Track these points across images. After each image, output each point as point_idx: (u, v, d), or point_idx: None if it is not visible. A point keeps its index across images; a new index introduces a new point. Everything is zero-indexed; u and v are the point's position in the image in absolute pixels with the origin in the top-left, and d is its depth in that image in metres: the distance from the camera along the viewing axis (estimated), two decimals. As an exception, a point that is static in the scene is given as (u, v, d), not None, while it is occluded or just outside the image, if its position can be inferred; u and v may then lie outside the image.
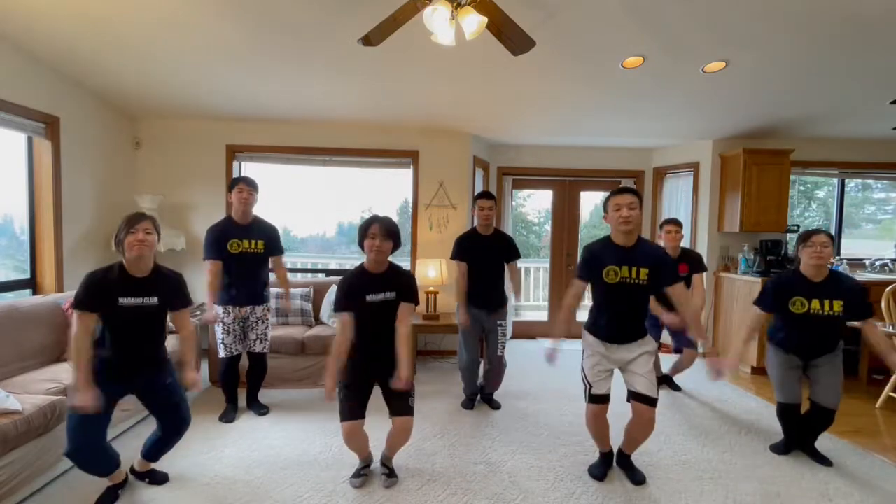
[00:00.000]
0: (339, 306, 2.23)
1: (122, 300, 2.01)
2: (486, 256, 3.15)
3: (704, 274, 3.45)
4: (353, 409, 2.23)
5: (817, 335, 2.50)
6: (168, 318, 2.21)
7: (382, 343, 2.25)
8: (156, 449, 2.28)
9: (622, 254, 2.22)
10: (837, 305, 2.42)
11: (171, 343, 2.37)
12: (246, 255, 2.97)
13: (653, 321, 3.13)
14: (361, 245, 2.23)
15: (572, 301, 2.36)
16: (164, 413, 2.22)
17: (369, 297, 2.21)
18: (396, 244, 2.25)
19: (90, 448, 2.02)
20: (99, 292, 1.99)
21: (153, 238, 2.06)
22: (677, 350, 3.62)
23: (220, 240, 2.92)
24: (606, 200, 2.30)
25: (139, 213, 2.13)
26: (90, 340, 1.98)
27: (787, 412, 2.65)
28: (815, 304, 2.44)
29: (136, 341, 2.10)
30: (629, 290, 2.22)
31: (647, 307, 2.40)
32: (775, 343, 2.65)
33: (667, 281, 2.23)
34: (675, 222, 3.42)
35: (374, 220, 2.21)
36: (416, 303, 2.33)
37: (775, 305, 2.55)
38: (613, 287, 2.23)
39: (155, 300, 2.09)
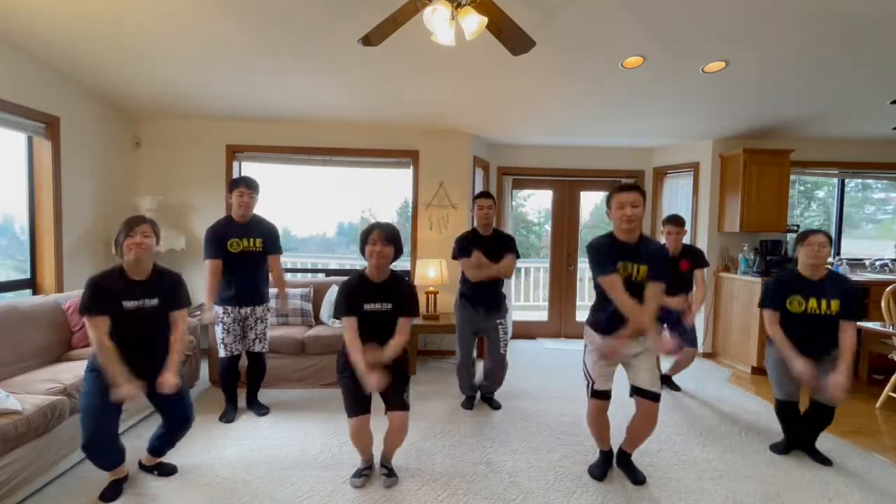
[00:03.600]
0: (340, 312, 2.24)
1: (125, 303, 2.07)
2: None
3: (706, 270, 3.46)
4: (358, 404, 2.24)
5: (813, 336, 2.49)
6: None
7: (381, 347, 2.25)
8: (161, 444, 2.33)
9: (625, 250, 2.25)
10: (835, 305, 2.43)
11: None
12: (246, 253, 2.97)
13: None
14: (363, 251, 2.24)
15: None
16: (170, 412, 2.28)
17: (367, 307, 2.22)
18: (398, 250, 2.26)
19: (105, 438, 2.08)
20: (103, 295, 2.05)
21: (151, 241, 2.12)
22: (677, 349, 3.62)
23: (220, 240, 2.92)
24: (610, 196, 2.32)
25: (139, 216, 2.18)
26: (108, 338, 2.03)
27: (784, 410, 2.66)
28: (813, 302, 2.46)
29: (141, 342, 2.14)
30: (631, 286, 2.22)
31: None
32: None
33: (651, 275, 2.24)
34: (674, 222, 3.41)
35: (376, 226, 2.22)
36: (416, 314, 2.33)
37: (779, 302, 2.55)
38: None
39: (155, 301, 2.15)
